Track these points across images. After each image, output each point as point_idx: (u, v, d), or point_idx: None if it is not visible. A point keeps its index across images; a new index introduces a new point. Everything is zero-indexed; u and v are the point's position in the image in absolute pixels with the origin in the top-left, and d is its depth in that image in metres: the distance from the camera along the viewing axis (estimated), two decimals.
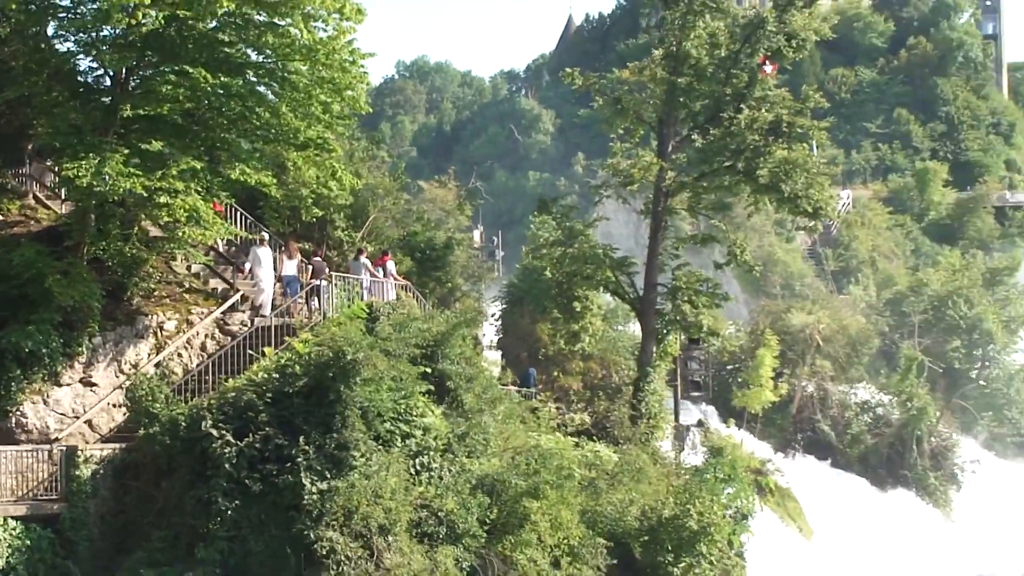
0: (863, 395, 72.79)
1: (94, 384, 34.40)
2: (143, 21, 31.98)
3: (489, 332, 51.12)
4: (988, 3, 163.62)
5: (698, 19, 50.02)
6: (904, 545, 62.89)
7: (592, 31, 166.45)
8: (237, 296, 37.65)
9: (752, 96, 49.68)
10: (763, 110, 49.14)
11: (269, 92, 35.93)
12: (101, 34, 33.80)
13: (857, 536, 61.91)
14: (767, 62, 50.89)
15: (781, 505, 58.45)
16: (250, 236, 39.61)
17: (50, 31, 35.25)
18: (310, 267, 39.34)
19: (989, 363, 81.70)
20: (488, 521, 34.05)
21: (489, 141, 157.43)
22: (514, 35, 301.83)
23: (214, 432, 31.14)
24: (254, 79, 35.72)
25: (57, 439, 32.77)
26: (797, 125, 49.82)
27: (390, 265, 41.92)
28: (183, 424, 31.84)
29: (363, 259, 40.57)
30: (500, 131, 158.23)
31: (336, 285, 38.21)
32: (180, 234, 34.63)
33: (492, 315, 53.01)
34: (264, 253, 37.43)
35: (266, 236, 38.19)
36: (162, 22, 32.23)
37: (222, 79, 34.27)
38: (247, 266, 38.18)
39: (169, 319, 36.34)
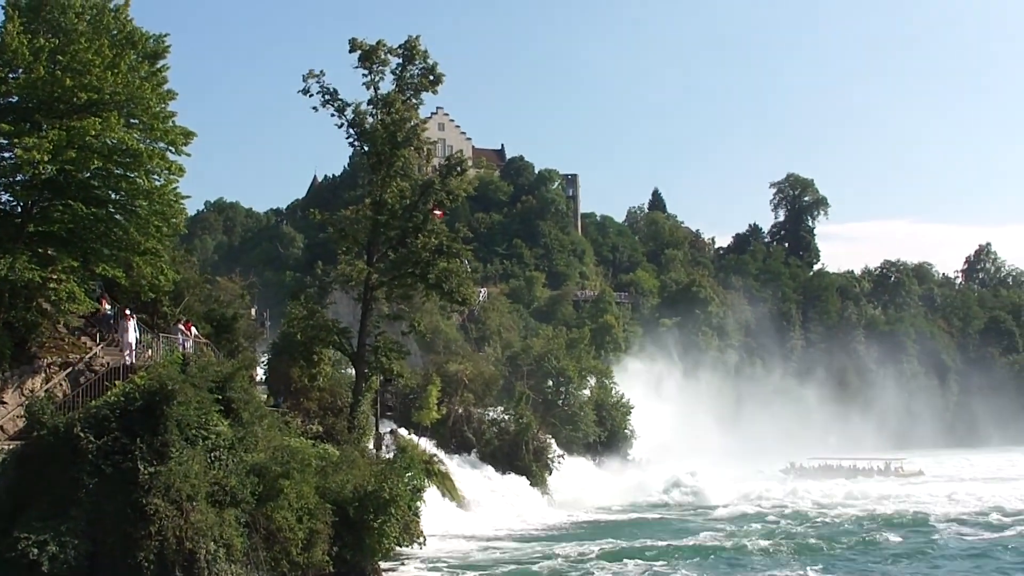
0: (492, 415, 73.33)
1: (5, 402, 33.43)
2: (43, 172, 31.87)
3: (260, 373, 50.67)
4: (569, 177, 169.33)
5: (393, 181, 50.90)
6: (517, 508, 64.20)
7: (328, 184, 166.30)
8: (98, 348, 37.06)
9: (425, 229, 50.54)
10: (432, 238, 50.09)
11: (122, 218, 35.72)
12: (16, 179, 33.44)
13: (489, 502, 63.01)
14: (436, 208, 52.13)
15: (442, 483, 59.13)
16: (108, 310, 38.93)
17: None
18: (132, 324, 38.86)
19: (569, 396, 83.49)
20: (257, 493, 33.90)
21: (262, 252, 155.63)
22: (280, 185, 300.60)
23: (82, 435, 30.66)
24: (113, 210, 35.57)
25: None
26: (453, 247, 50.95)
27: (193, 330, 41.56)
28: (62, 429, 31.19)
29: (180, 326, 40.28)
30: (270, 246, 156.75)
31: (162, 342, 37.95)
32: (62, 307, 34.12)
33: (262, 362, 52.54)
34: (128, 324, 36.83)
35: (128, 312, 37.46)
36: (55, 172, 32.24)
37: (93, 209, 34.35)
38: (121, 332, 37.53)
39: (55, 361, 35.51)
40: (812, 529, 55.78)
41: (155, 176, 35.60)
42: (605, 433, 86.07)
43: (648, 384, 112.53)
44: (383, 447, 53.24)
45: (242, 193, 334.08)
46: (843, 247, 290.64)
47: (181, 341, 39.17)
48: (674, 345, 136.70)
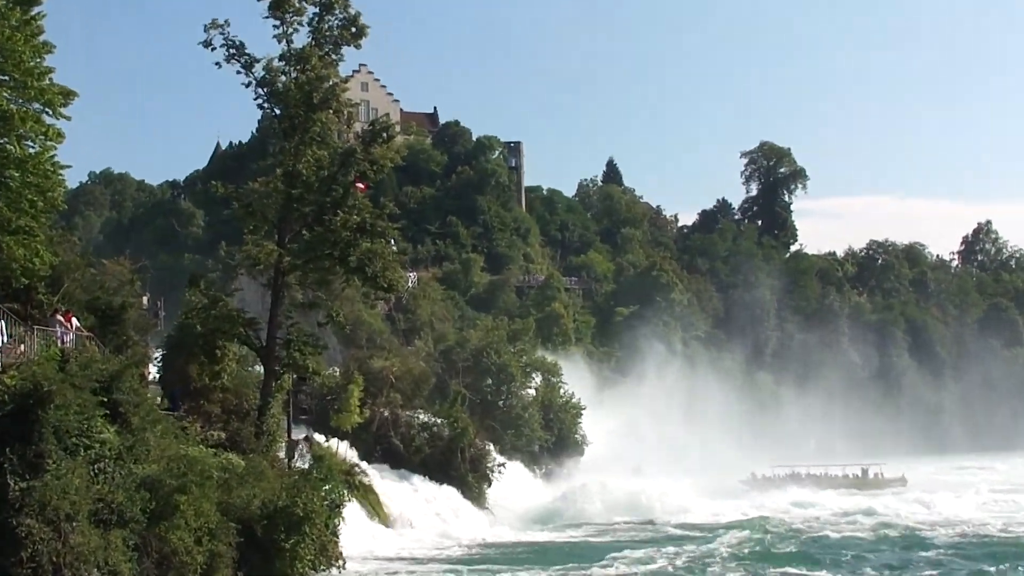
0: (423, 418, 73.42)
1: None
2: None
3: (153, 371, 50.42)
4: (512, 145, 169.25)
5: (308, 148, 50.75)
6: (451, 525, 64.41)
7: (233, 153, 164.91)
8: None
9: (346, 204, 50.55)
10: (353, 214, 50.10)
11: None
12: None
13: (419, 518, 63.18)
14: (358, 181, 52.08)
15: (365, 498, 59.19)
16: None
17: None
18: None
19: (511, 396, 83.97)
20: (148, 510, 33.82)
21: (156, 231, 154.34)
22: (177, 154, 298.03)
23: None
24: None
25: None
26: (377, 225, 50.97)
27: (74, 321, 41.23)
28: None
29: (59, 317, 39.95)
30: (165, 224, 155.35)
31: (36, 335, 37.56)
32: None
33: (156, 358, 52.24)
34: None
35: None
36: None
37: None
38: None
39: None
40: (758, 551, 56.02)
41: (29, 142, 35.18)
42: (552, 438, 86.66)
43: (601, 382, 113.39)
44: (296, 456, 53.09)
45: (132, 163, 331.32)
46: (824, 225, 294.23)
47: (59, 334, 38.87)
48: (632, 337, 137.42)
